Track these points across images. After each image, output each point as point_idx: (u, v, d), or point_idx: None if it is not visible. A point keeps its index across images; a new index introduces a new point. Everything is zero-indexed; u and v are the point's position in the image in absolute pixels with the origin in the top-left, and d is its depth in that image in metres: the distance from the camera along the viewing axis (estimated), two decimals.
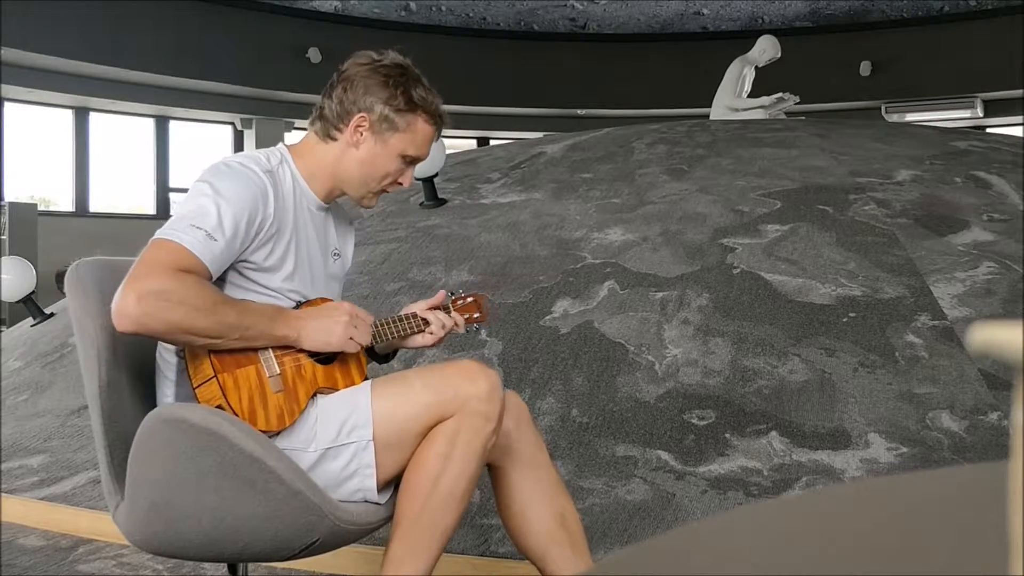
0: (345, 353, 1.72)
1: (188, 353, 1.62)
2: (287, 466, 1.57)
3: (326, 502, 1.60)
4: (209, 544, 1.61)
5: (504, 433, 1.77)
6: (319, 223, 1.80)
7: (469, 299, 1.96)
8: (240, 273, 1.68)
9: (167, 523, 1.60)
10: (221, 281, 1.67)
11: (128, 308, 1.50)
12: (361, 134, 1.74)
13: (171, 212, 1.88)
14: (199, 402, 1.61)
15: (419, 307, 1.87)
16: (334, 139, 1.75)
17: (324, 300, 1.76)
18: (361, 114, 1.73)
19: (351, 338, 1.67)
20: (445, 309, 1.89)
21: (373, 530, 1.74)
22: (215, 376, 1.59)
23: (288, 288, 1.71)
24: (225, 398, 1.59)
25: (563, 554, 1.76)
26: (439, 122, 1.78)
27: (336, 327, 1.66)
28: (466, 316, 1.93)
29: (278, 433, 1.64)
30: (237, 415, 1.59)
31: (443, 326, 1.85)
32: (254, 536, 1.59)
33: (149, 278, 1.51)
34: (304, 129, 1.83)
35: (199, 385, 1.61)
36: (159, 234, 1.58)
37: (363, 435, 1.65)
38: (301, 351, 1.68)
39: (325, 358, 1.71)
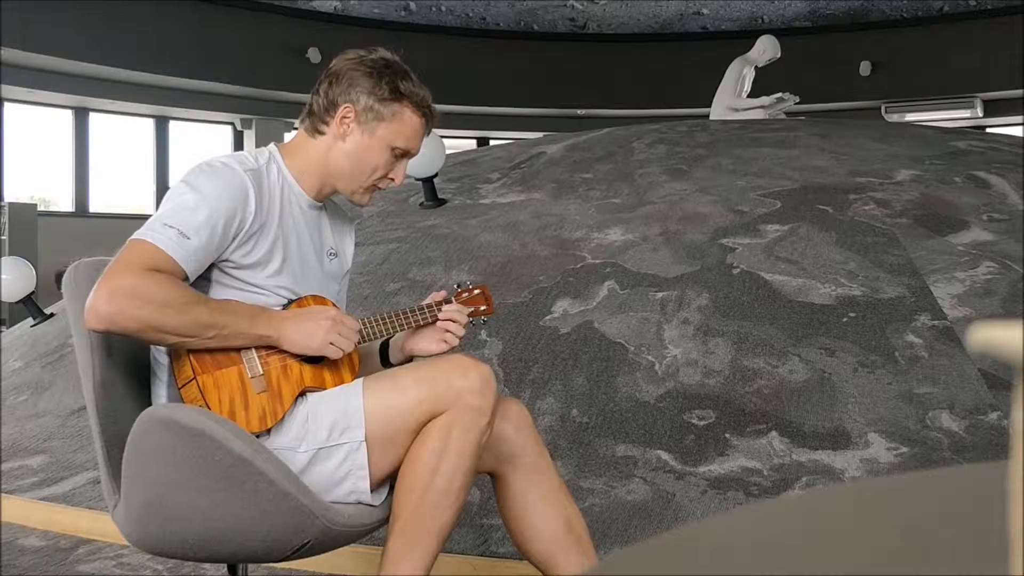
0: None
1: (173, 354, 1.62)
2: (276, 467, 1.56)
3: (316, 504, 1.59)
4: (203, 544, 1.61)
5: (506, 440, 1.76)
6: (311, 221, 1.79)
7: (476, 291, 1.92)
8: (224, 271, 1.67)
9: (161, 523, 1.60)
10: (207, 280, 1.66)
11: (99, 306, 1.52)
12: (348, 125, 1.72)
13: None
14: (184, 403, 1.61)
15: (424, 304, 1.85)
16: (322, 133, 1.74)
17: (316, 298, 1.74)
18: (347, 105, 1.72)
19: (332, 343, 1.65)
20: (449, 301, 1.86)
21: (369, 532, 1.73)
22: (195, 377, 1.59)
23: (276, 285, 1.69)
24: (204, 399, 1.59)
25: (570, 560, 1.74)
26: (428, 114, 1.76)
27: (317, 331, 1.64)
28: (471, 309, 1.88)
29: (267, 433, 1.63)
30: None
31: (455, 320, 1.81)
32: (246, 537, 1.58)
33: (119, 277, 1.53)
34: None
35: (182, 386, 1.61)
36: (135, 235, 1.59)
37: (355, 436, 1.63)
38: (286, 351, 1.67)
39: (313, 358, 1.69)
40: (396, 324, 1.79)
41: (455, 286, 1.92)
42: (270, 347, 1.65)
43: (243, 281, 1.67)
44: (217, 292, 1.67)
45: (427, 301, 1.85)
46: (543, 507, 1.77)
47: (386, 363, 1.89)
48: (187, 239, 1.57)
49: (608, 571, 0.53)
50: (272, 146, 1.79)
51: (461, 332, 1.83)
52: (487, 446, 1.70)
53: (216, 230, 1.60)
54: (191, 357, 1.60)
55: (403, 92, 1.72)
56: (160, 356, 1.70)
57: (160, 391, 1.70)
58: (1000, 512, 0.37)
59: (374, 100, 1.72)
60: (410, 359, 1.89)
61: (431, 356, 1.84)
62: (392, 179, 1.78)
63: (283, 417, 1.64)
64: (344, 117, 1.72)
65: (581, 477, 2.52)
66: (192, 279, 1.62)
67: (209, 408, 1.58)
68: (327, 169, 1.75)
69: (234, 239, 1.63)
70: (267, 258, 1.68)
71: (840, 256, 3.29)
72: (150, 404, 1.70)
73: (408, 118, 1.74)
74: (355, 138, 1.73)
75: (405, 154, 1.77)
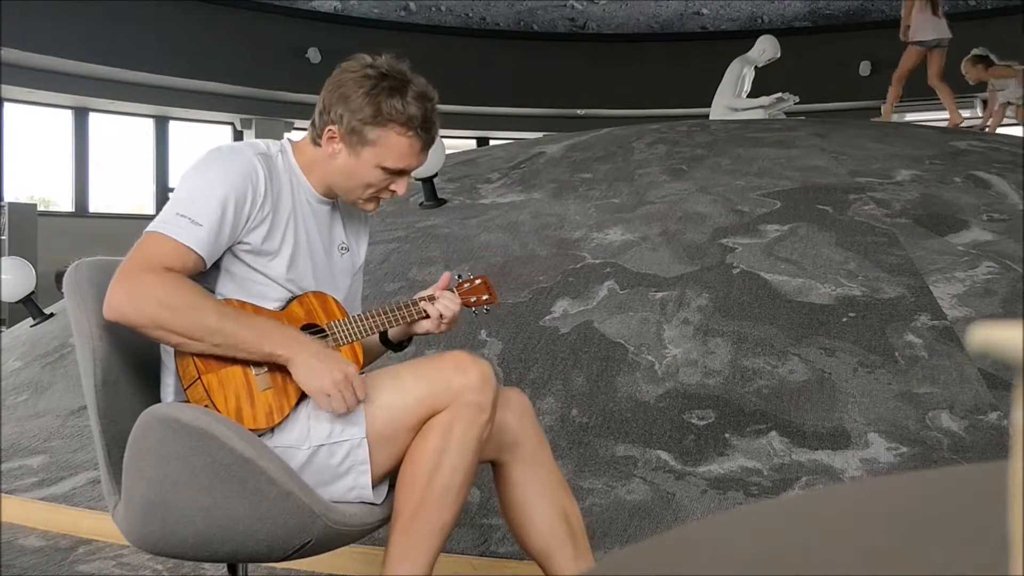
0: (340, 346, 1.72)
1: (177, 355, 1.62)
2: (278, 467, 1.56)
3: (318, 503, 1.59)
4: (204, 544, 1.61)
5: (507, 429, 1.77)
6: (321, 216, 1.79)
7: (477, 281, 1.94)
8: (237, 257, 1.66)
9: (163, 522, 1.60)
10: (215, 267, 1.66)
11: (113, 299, 1.56)
12: (335, 146, 1.71)
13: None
14: (190, 403, 1.61)
15: (427, 293, 1.86)
16: (319, 145, 1.74)
17: (318, 295, 1.74)
18: (330, 127, 1.70)
19: (330, 396, 1.59)
20: (450, 291, 1.87)
21: (370, 531, 1.73)
22: (199, 378, 1.59)
23: (285, 278, 1.70)
24: (210, 398, 1.59)
25: (566, 552, 1.75)
26: (419, 133, 1.69)
27: (325, 377, 1.58)
28: (474, 299, 1.91)
29: (271, 431, 1.63)
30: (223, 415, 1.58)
31: (440, 314, 1.82)
32: (247, 536, 1.59)
33: (132, 274, 1.56)
34: (305, 129, 1.83)
35: (187, 387, 1.61)
36: (149, 227, 1.61)
37: (356, 432, 1.64)
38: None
39: None
40: (395, 318, 1.81)
41: (456, 276, 1.93)
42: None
43: (252, 268, 1.67)
44: (224, 279, 1.67)
45: (430, 291, 1.86)
46: (541, 501, 1.77)
47: (386, 342, 1.91)
48: (199, 226, 1.58)
49: (608, 571, 0.53)
50: (285, 140, 1.80)
51: (439, 319, 1.82)
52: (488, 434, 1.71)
53: (227, 213, 1.60)
54: (195, 357, 1.60)
55: (387, 114, 1.66)
56: (168, 355, 1.70)
57: (168, 384, 1.71)
58: (1000, 512, 0.37)
59: (356, 121, 1.67)
60: (409, 338, 1.92)
61: (429, 341, 1.85)
62: (394, 191, 1.76)
63: (288, 414, 1.64)
64: (330, 138, 1.71)
65: (581, 477, 2.52)
66: (209, 264, 1.62)
67: (216, 407, 1.58)
68: (327, 177, 1.76)
69: (247, 221, 1.64)
70: (280, 245, 1.69)
71: (840, 256, 3.29)
72: (151, 403, 1.71)
73: (395, 141, 1.68)
74: (343, 158, 1.71)
75: (400, 172, 1.73)
